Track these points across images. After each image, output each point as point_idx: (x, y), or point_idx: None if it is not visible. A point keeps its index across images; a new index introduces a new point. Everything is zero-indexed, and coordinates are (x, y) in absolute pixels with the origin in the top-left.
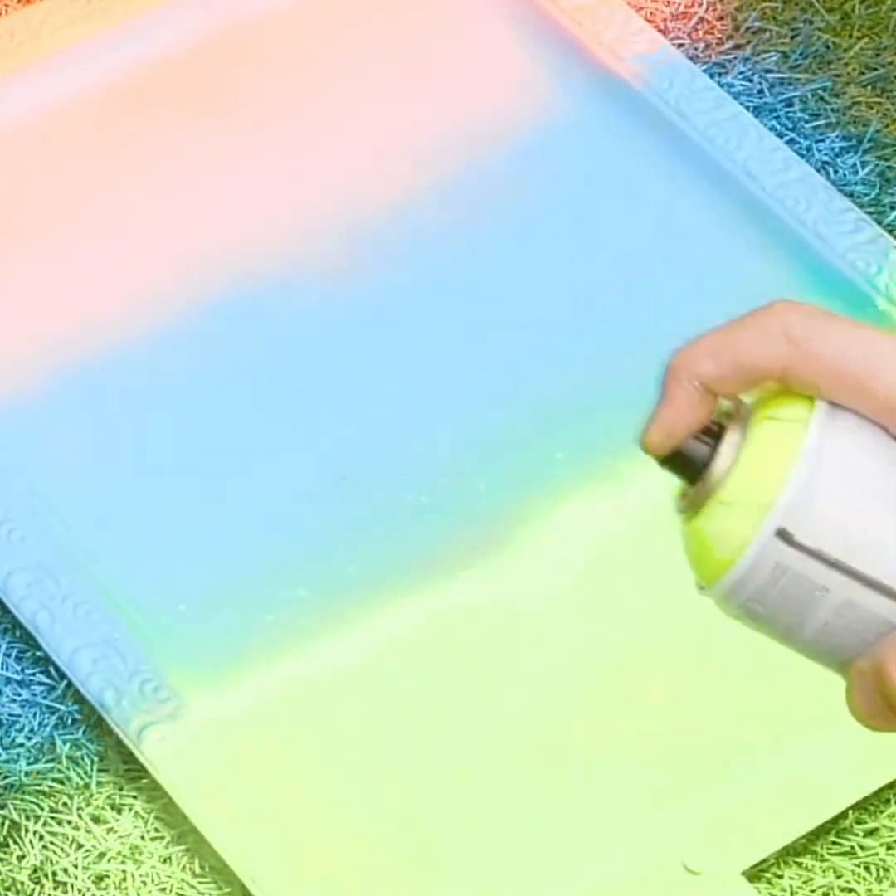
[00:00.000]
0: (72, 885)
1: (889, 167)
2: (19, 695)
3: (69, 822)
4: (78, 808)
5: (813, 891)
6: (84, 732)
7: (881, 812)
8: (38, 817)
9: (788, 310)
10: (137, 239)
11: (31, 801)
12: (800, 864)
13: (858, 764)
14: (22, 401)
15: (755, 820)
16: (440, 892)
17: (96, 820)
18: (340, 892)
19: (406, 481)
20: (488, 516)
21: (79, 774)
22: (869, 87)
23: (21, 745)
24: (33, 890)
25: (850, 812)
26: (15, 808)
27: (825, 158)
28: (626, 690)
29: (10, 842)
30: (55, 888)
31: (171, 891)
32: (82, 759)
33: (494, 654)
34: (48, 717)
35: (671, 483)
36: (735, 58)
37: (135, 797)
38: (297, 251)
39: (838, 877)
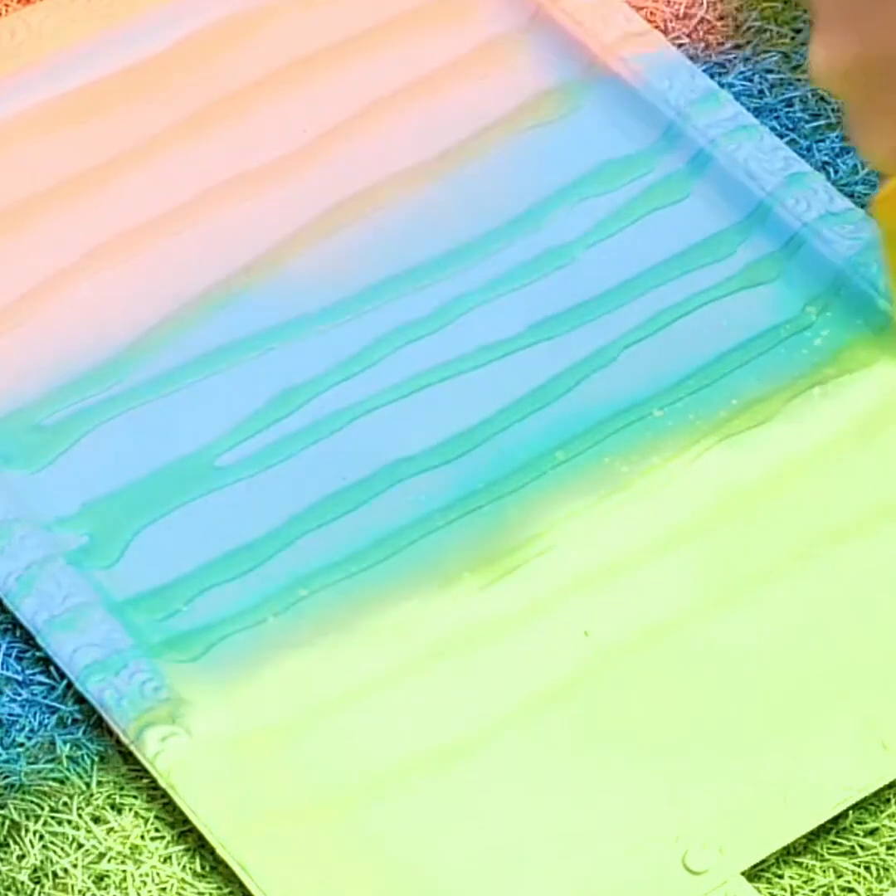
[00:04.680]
0: (72, 886)
1: None
2: (19, 695)
3: (69, 822)
4: (78, 808)
5: (813, 891)
6: (84, 732)
7: (881, 812)
8: (38, 817)
9: None
10: (135, 237)
11: (31, 801)
12: (800, 864)
13: (858, 764)
14: (21, 401)
15: (755, 820)
16: (440, 891)
17: (96, 820)
18: (340, 892)
19: (406, 482)
20: (488, 516)
21: (79, 774)
22: None
23: (21, 745)
24: (33, 890)
25: (850, 812)
26: (15, 808)
27: (825, 158)
28: (626, 691)
29: (10, 842)
30: (55, 888)
31: (171, 891)
32: (82, 759)
33: (495, 653)
34: (48, 717)
35: (671, 483)
36: (735, 58)
37: (135, 797)
38: (296, 251)
39: (838, 877)
